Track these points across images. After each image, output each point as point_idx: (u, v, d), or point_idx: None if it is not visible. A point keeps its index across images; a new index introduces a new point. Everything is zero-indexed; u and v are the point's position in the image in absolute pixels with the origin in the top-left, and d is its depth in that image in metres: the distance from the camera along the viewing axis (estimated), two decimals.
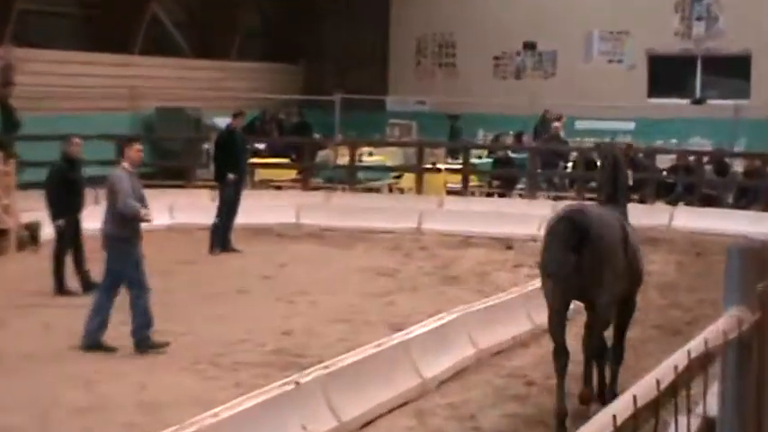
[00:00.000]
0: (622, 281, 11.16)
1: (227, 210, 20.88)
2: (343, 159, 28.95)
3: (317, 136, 32.36)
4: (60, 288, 16.69)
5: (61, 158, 17.28)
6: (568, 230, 10.81)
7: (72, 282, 16.60)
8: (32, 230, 20.53)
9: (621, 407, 3.90)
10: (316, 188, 27.84)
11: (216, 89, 34.93)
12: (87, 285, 16.34)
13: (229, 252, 20.59)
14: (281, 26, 41.09)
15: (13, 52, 25.97)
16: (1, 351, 12.68)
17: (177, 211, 23.75)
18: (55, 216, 16.92)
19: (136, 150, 13.92)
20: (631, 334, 12.35)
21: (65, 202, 16.79)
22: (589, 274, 10.73)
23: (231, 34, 37.81)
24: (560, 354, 10.75)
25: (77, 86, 29.91)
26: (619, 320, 11.61)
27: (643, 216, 22.61)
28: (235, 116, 22.68)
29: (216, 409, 8.87)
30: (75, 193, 16.93)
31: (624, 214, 11.62)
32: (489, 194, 29.08)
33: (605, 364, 11.39)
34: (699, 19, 37.18)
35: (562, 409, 10.56)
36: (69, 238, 16.76)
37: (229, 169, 20.93)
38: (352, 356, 10.87)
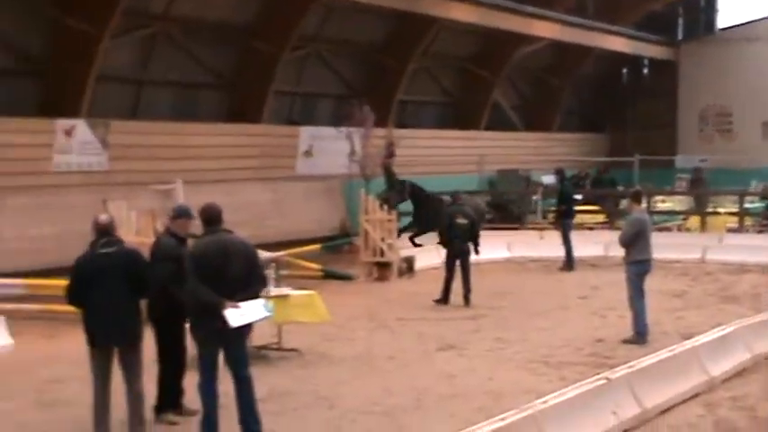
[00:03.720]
0: None
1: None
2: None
3: (620, 188, 31.71)
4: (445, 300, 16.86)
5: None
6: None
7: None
8: (409, 262, 21.04)
9: None
10: (618, 228, 27.17)
11: (541, 155, 34.92)
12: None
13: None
14: (593, 104, 40.73)
15: (393, 131, 26.82)
16: (374, 353, 12.97)
17: (513, 247, 23.83)
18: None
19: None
20: None
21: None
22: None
23: (553, 112, 37.76)
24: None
25: (439, 155, 30.60)
26: None
27: None
28: (557, 173, 23.04)
29: (546, 398, 8.79)
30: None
31: None
32: (761, 231, 27.63)
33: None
34: None
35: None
36: None
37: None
38: (652, 358, 10.54)
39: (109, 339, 8.61)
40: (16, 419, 9.79)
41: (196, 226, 9.15)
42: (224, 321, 8.39)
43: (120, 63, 22.60)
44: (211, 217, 8.69)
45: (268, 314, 9.09)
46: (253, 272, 8.69)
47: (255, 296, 8.71)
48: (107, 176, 20.94)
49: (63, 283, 9.04)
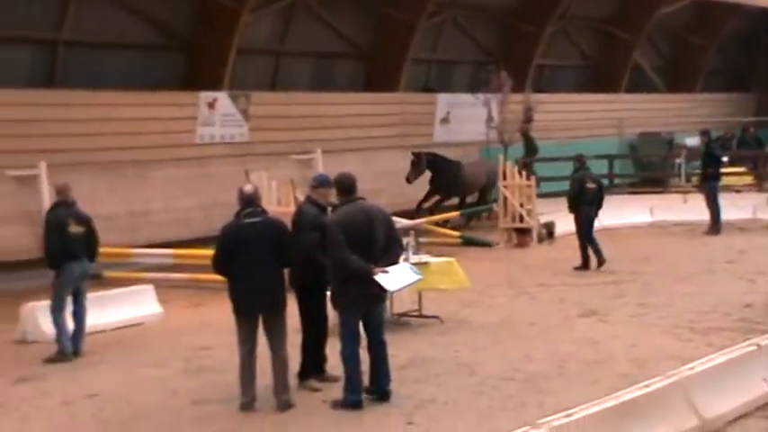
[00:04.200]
0: None
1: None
2: None
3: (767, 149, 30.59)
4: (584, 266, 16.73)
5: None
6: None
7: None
8: (549, 228, 20.81)
9: None
10: (767, 190, 26.28)
11: (684, 117, 33.97)
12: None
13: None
14: (738, 63, 39.34)
15: (531, 96, 26.50)
16: (514, 320, 12.88)
17: (656, 211, 23.32)
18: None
19: None
20: None
21: None
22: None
23: (696, 72, 36.64)
24: None
25: (578, 119, 30.07)
26: None
27: None
28: (703, 134, 22.38)
29: (692, 364, 8.58)
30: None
31: None
32: None
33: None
34: None
35: None
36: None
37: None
38: None
39: (254, 307, 8.81)
40: (167, 386, 10.12)
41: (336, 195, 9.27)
42: (380, 287, 8.58)
43: (260, 36, 22.93)
44: (345, 186, 8.85)
45: (419, 277, 9.30)
46: (391, 236, 8.86)
47: (396, 260, 8.92)
48: (248, 147, 21.33)
49: (208, 252, 9.27)
